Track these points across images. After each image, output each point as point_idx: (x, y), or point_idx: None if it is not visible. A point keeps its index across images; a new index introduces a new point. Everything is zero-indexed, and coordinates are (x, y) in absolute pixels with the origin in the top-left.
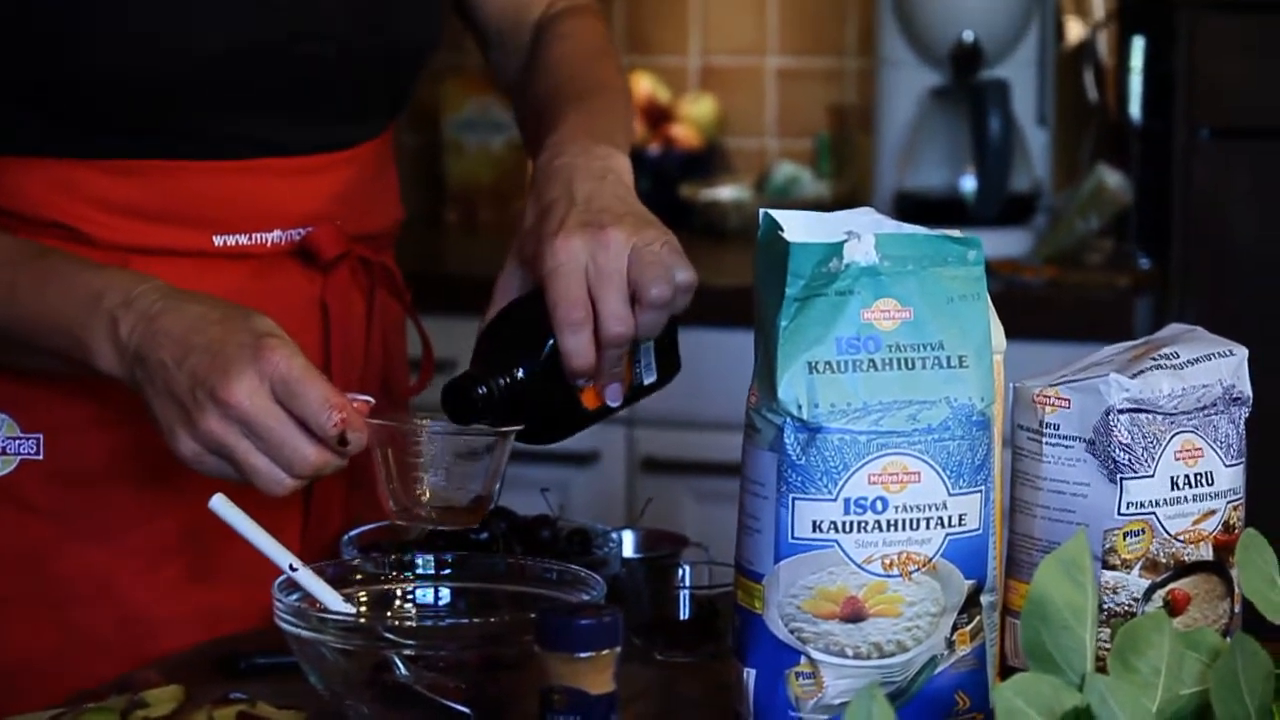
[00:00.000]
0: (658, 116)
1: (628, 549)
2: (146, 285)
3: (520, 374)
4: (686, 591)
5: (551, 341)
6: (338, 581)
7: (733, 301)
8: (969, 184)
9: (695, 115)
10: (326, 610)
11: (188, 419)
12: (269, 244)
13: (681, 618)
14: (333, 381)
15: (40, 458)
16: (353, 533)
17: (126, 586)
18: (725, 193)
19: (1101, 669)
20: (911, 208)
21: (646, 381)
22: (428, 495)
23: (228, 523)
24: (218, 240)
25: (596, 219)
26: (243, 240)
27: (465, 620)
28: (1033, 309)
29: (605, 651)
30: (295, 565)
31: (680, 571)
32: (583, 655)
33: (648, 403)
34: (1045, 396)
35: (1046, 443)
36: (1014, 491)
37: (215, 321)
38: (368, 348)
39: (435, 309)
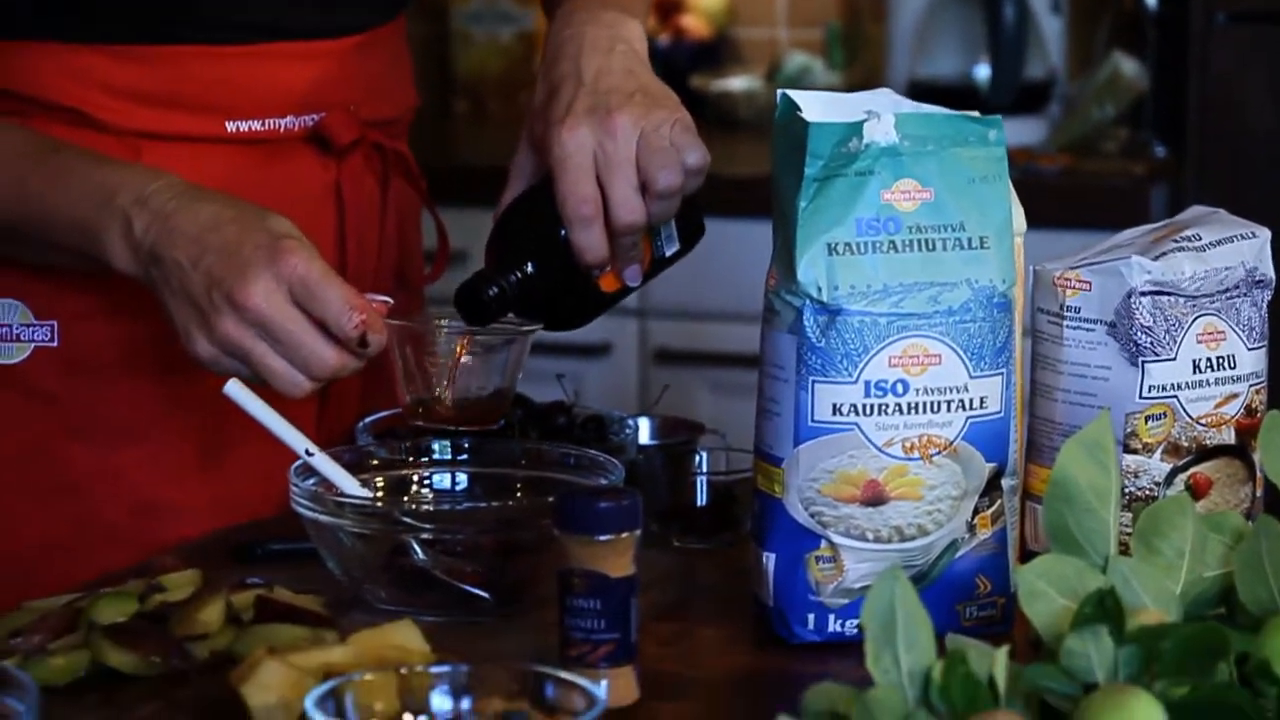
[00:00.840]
0: (668, 7)
1: (644, 436)
2: (160, 182)
3: (532, 269)
4: (704, 478)
5: (565, 233)
6: (354, 467)
7: (745, 192)
8: (983, 72)
9: (705, 5)
10: (343, 494)
11: (204, 321)
12: (282, 129)
13: (698, 504)
14: (348, 270)
15: (55, 345)
16: (369, 419)
17: (141, 476)
18: (736, 83)
19: (1123, 553)
20: (925, 97)
21: (669, 253)
22: (447, 395)
23: (243, 408)
24: (230, 126)
25: (604, 101)
26: (255, 126)
27: (482, 504)
28: (1048, 198)
29: (625, 534)
30: (311, 450)
31: (697, 458)
32: (603, 538)
33: (659, 293)
34: (1066, 279)
35: (1067, 326)
36: (1034, 375)
37: (231, 221)
38: (382, 235)
39: (447, 200)
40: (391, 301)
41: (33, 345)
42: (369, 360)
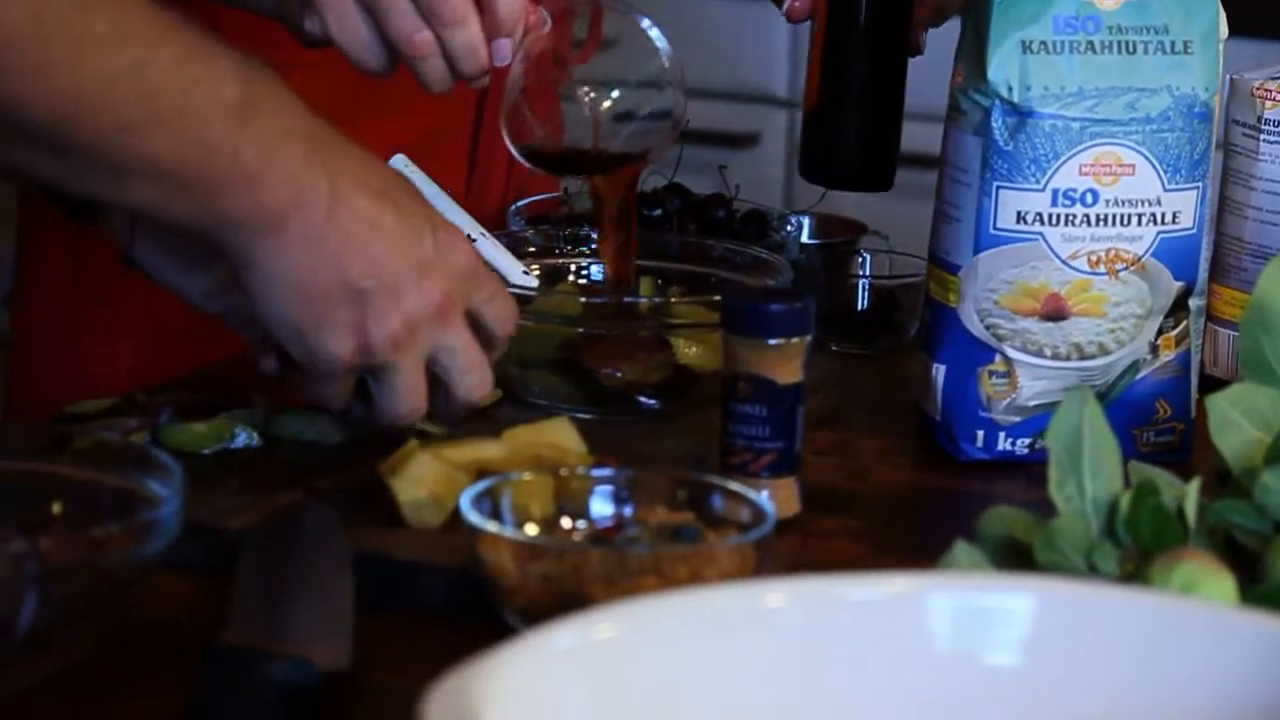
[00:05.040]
0: None
1: (804, 235)
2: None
3: None
4: (866, 281)
5: None
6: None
7: None
8: None
9: None
10: (510, 284)
11: None
12: None
13: (860, 308)
14: None
15: None
16: (521, 202)
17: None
18: None
19: None
20: None
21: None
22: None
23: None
24: None
25: None
26: None
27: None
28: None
29: (795, 339)
30: (474, 235)
31: (859, 259)
32: (773, 342)
33: None
34: (1266, 90)
35: (1264, 140)
36: (1224, 191)
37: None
38: None
39: None
40: (548, 23)
41: None
42: None
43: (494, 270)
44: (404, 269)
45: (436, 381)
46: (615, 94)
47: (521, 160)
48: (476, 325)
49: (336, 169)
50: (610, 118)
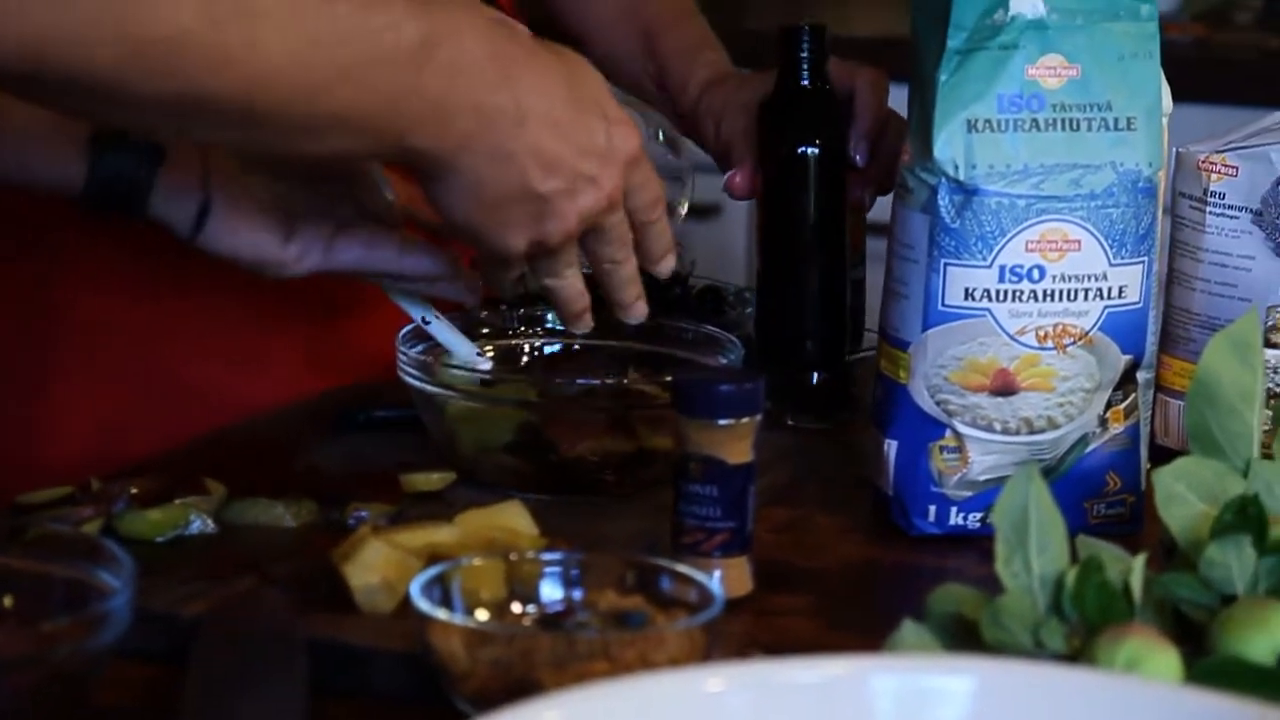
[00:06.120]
0: None
1: None
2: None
3: None
4: None
5: None
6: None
7: (870, 53)
8: None
9: None
10: (461, 365)
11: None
12: None
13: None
14: None
15: None
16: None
17: (244, 331)
18: None
19: (1263, 453)
20: None
21: None
22: None
23: None
24: None
25: None
26: None
27: (597, 382)
28: (1178, 70)
29: (745, 419)
30: (429, 318)
31: None
32: (722, 422)
33: None
34: (1211, 163)
35: (1210, 212)
36: (1172, 263)
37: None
38: None
39: None
40: None
41: None
42: None
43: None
44: (581, 168)
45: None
46: None
47: None
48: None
49: (520, 84)
50: None
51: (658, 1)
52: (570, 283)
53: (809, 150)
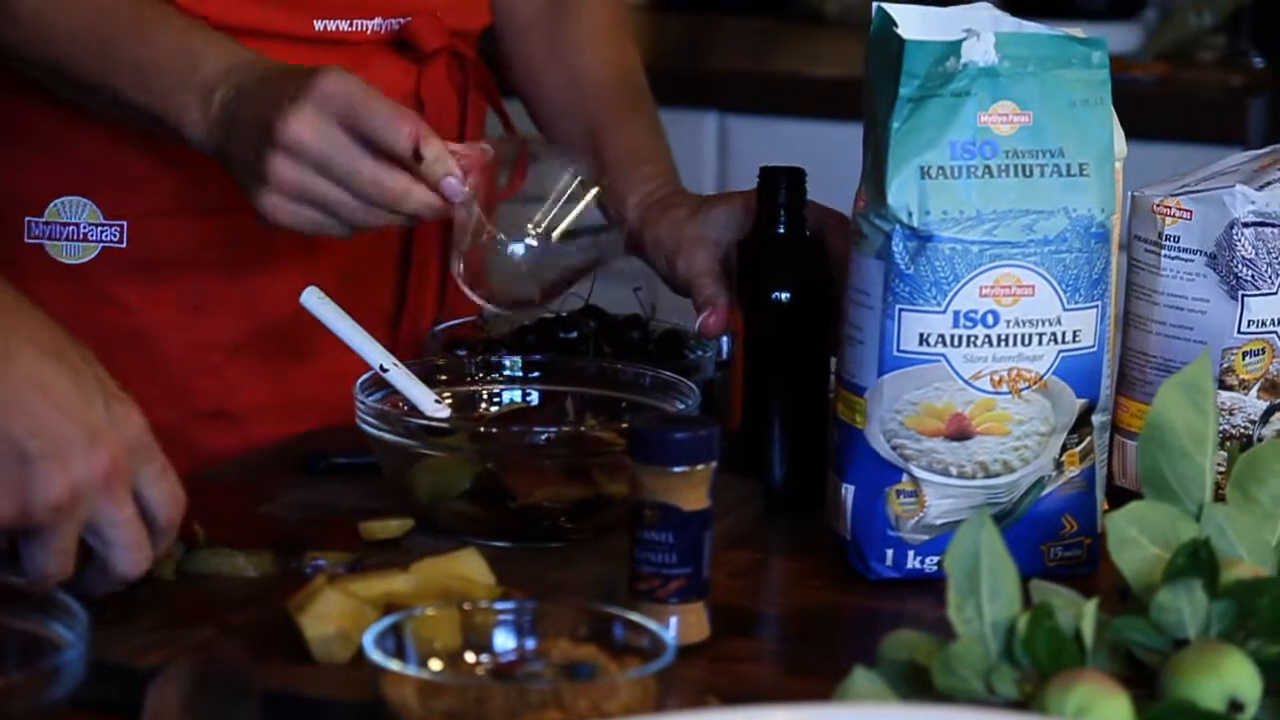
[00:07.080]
0: None
1: (723, 353)
2: (244, 58)
3: None
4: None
5: None
6: (422, 381)
7: (832, 93)
8: None
9: None
10: (421, 416)
11: (258, 173)
12: (369, 32)
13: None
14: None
15: (123, 246)
16: (443, 325)
17: (205, 380)
18: None
19: (1217, 494)
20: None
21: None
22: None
23: (319, 318)
24: (318, 25)
25: None
26: (343, 26)
27: (554, 430)
28: (1140, 108)
29: (701, 466)
30: (388, 365)
31: None
32: (677, 469)
33: None
34: (1166, 207)
35: (1165, 255)
36: (1128, 306)
37: (285, 73)
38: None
39: None
40: (490, 151)
41: (100, 246)
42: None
43: (406, 399)
44: (72, 433)
45: (89, 552)
46: (549, 213)
47: (484, 304)
48: (140, 502)
49: (8, 326)
50: (557, 239)
51: (605, 92)
52: (52, 557)
53: (790, 296)
